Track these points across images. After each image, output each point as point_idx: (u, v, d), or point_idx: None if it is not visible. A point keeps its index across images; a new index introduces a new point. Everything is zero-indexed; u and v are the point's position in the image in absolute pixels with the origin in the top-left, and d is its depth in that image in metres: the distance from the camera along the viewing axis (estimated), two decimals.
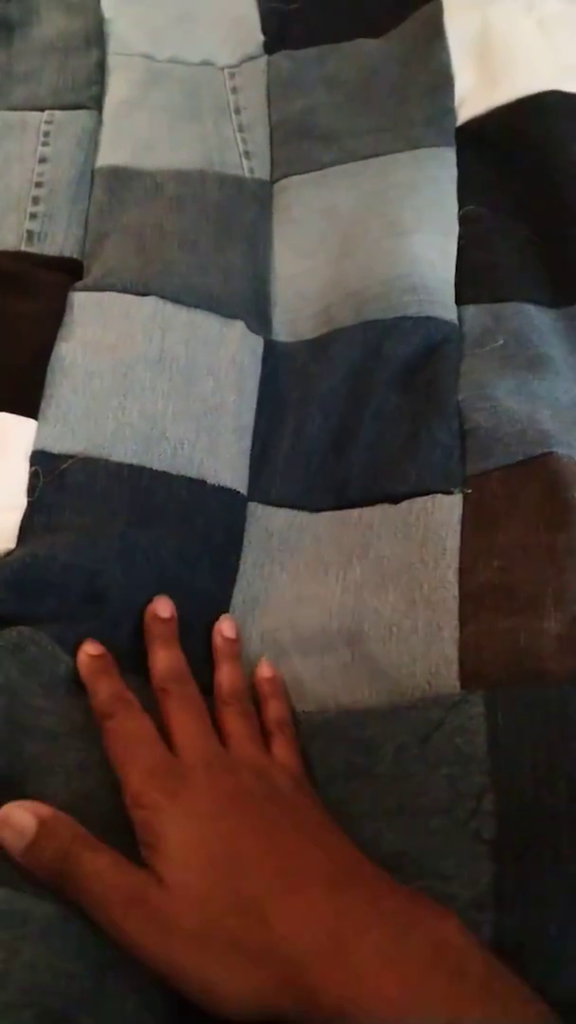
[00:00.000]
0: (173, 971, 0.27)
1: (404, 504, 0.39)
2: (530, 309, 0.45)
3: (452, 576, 0.36)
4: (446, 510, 0.38)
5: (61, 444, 0.40)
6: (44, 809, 0.30)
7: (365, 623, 0.36)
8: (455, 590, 0.35)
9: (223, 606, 0.39)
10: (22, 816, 0.29)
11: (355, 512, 0.40)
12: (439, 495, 0.38)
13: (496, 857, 0.28)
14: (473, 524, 0.37)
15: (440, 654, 0.34)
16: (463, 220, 0.48)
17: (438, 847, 0.29)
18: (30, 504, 0.39)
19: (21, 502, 0.40)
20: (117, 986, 0.27)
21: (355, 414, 0.42)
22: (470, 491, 0.38)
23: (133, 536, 0.38)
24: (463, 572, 0.36)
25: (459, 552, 0.36)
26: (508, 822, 0.29)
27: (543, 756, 0.30)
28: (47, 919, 0.28)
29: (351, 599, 0.37)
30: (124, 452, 0.40)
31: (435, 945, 0.24)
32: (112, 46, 0.56)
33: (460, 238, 0.47)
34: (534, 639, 0.32)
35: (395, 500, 0.39)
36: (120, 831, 0.30)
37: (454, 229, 0.48)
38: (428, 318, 0.43)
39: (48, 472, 0.40)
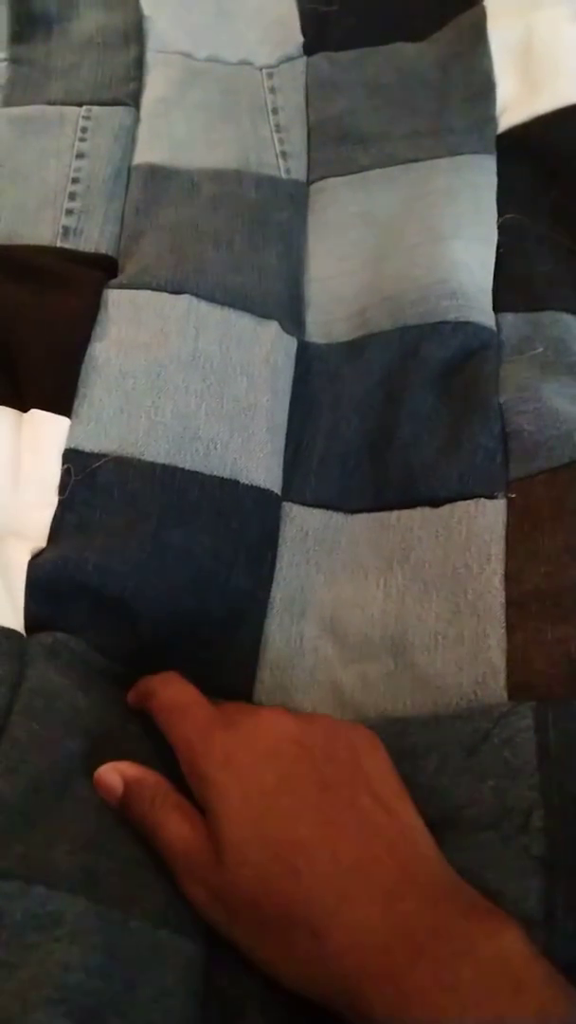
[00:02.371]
0: (236, 945, 0.28)
1: (445, 508, 0.38)
2: (568, 319, 0.45)
3: (498, 582, 0.35)
4: (490, 515, 0.37)
5: (94, 443, 0.40)
6: (130, 771, 0.31)
7: (409, 631, 0.36)
8: (502, 597, 0.35)
9: (262, 605, 0.38)
10: (110, 777, 0.31)
11: (393, 514, 0.39)
12: (482, 499, 0.38)
13: (546, 874, 0.28)
14: (518, 529, 0.37)
15: (487, 663, 0.34)
16: (502, 229, 0.48)
17: (486, 861, 0.29)
18: (61, 503, 0.39)
19: (52, 500, 0.39)
20: (147, 989, 0.27)
21: (391, 415, 0.42)
22: (514, 495, 0.38)
23: (166, 536, 0.38)
24: (509, 578, 0.35)
25: (504, 558, 0.36)
26: (558, 839, 0.29)
27: None
28: (81, 918, 0.28)
29: (394, 606, 0.37)
30: (157, 452, 0.40)
31: (493, 963, 0.24)
32: (151, 43, 0.56)
33: (499, 247, 0.47)
34: None
35: (435, 503, 0.39)
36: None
37: (493, 238, 0.47)
38: (467, 323, 0.43)
39: (80, 471, 0.40)
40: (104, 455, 0.40)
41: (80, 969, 0.26)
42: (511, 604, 0.35)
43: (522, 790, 0.30)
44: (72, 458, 0.40)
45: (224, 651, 0.37)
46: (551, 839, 0.29)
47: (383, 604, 0.37)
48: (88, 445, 0.40)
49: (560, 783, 0.30)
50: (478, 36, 0.53)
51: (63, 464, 0.40)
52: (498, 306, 0.45)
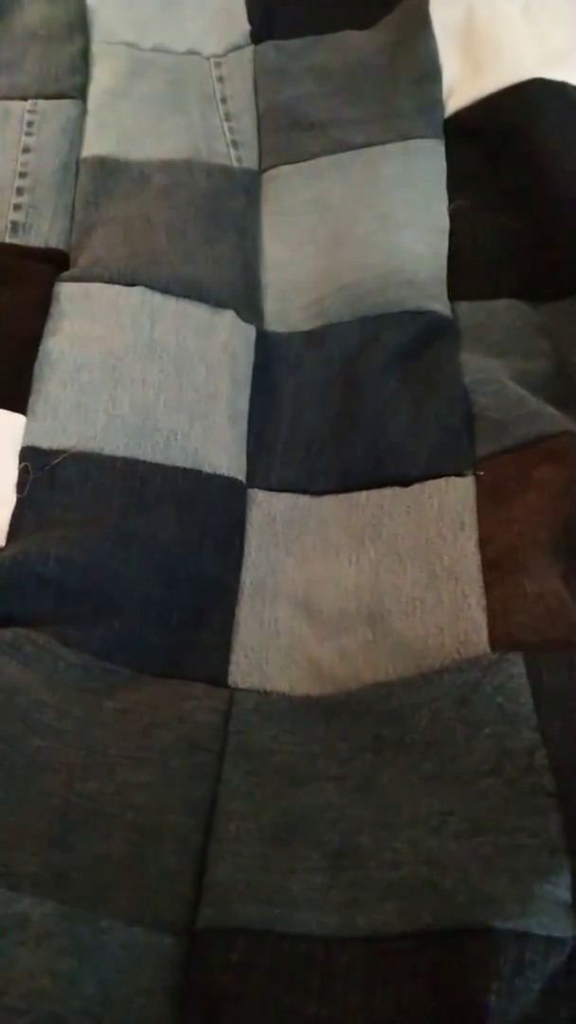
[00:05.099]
0: None
1: (415, 486, 0.39)
2: (521, 305, 0.45)
3: (473, 547, 0.36)
4: (460, 490, 0.38)
5: (51, 439, 0.40)
6: None
7: (385, 600, 0.36)
8: (477, 559, 0.36)
9: (232, 590, 0.38)
10: None
11: (362, 495, 0.40)
12: (451, 477, 0.39)
13: (562, 808, 0.28)
14: (489, 502, 0.37)
15: (469, 621, 0.34)
16: (453, 215, 0.48)
17: (495, 806, 0.28)
18: (20, 501, 0.39)
19: (10, 499, 0.39)
20: (120, 990, 0.27)
21: (354, 399, 0.42)
22: (482, 473, 0.38)
23: (129, 526, 0.37)
24: (483, 542, 0.36)
25: (477, 525, 0.37)
26: (566, 774, 0.29)
27: None
28: (46, 920, 0.27)
29: (367, 578, 0.37)
30: (116, 445, 0.40)
31: None
32: (95, 34, 0.55)
33: (451, 233, 0.47)
34: (563, 605, 0.33)
35: (405, 483, 0.39)
36: (122, 832, 0.29)
37: (445, 224, 0.48)
38: (425, 311, 0.44)
39: (38, 468, 0.39)
40: (62, 451, 0.39)
41: (46, 974, 0.25)
42: (487, 565, 0.35)
43: (521, 732, 0.30)
44: (30, 456, 0.39)
45: (196, 637, 0.36)
46: (560, 775, 0.28)
47: (356, 578, 0.37)
48: (46, 442, 0.40)
49: (560, 722, 0.30)
50: (421, 19, 0.53)
51: (20, 462, 0.39)
52: (452, 294, 0.46)
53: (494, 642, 0.33)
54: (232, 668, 0.36)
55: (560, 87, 0.49)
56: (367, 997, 0.26)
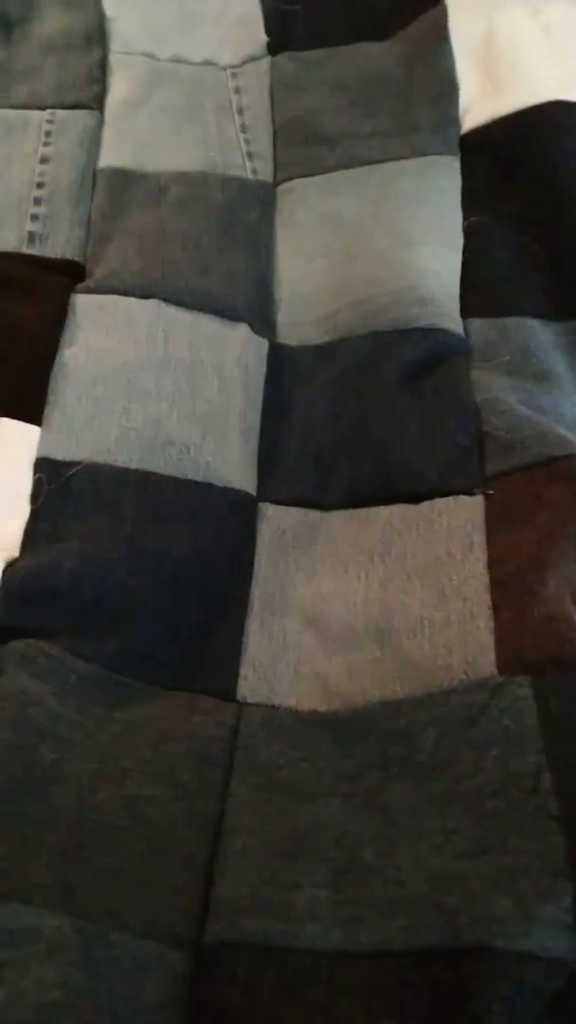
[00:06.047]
0: None
1: (425, 504, 0.39)
2: (533, 324, 0.45)
3: (482, 568, 0.36)
4: (469, 509, 0.38)
5: (65, 451, 0.40)
6: None
7: (394, 618, 0.36)
8: (486, 579, 0.36)
9: (242, 604, 0.38)
10: None
11: (372, 511, 0.40)
12: (461, 496, 0.39)
13: (566, 832, 0.28)
14: (499, 522, 0.38)
15: (477, 643, 0.34)
16: (467, 232, 0.48)
17: (500, 827, 0.29)
18: (34, 512, 0.39)
19: (24, 510, 0.39)
20: (130, 1005, 0.27)
21: (364, 414, 0.42)
22: (492, 492, 0.39)
23: (141, 539, 0.38)
24: (492, 563, 0.36)
25: (487, 545, 0.37)
26: (571, 798, 0.29)
27: None
28: (57, 933, 0.27)
29: (376, 595, 0.37)
30: (129, 458, 0.40)
31: None
32: (113, 45, 0.55)
33: (464, 250, 0.47)
34: (571, 629, 0.33)
35: (414, 500, 0.39)
36: (132, 846, 0.30)
37: (459, 242, 0.48)
38: (437, 329, 0.44)
39: (52, 479, 0.39)
40: (76, 463, 0.40)
41: (57, 987, 0.26)
42: (496, 585, 0.35)
43: (527, 755, 0.30)
44: (44, 467, 0.40)
45: (206, 651, 0.37)
46: (564, 799, 0.29)
47: (365, 594, 0.37)
48: (60, 453, 0.40)
49: (566, 746, 0.30)
50: (440, 35, 0.53)
51: (35, 473, 0.40)
52: (465, 311, 0.46)
53: (501, 664, 0.33)
54: (241, 682, 0.37)
55: None
56: (370, 1014, 0.27)
